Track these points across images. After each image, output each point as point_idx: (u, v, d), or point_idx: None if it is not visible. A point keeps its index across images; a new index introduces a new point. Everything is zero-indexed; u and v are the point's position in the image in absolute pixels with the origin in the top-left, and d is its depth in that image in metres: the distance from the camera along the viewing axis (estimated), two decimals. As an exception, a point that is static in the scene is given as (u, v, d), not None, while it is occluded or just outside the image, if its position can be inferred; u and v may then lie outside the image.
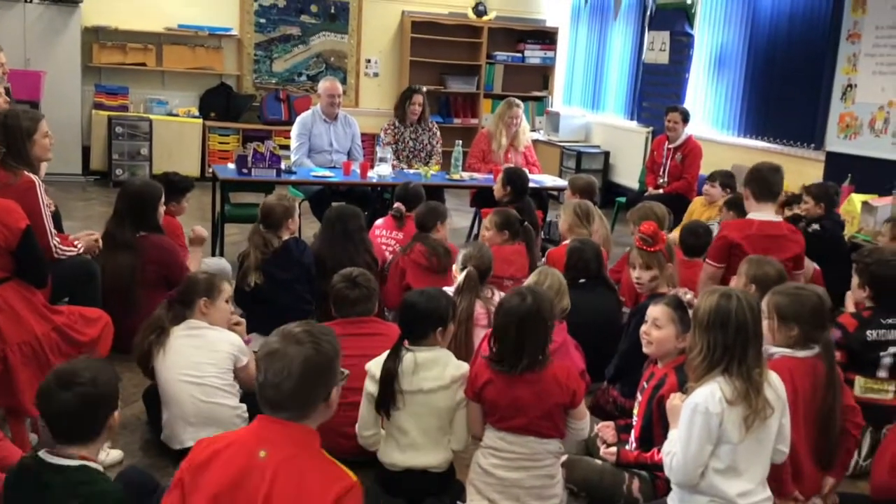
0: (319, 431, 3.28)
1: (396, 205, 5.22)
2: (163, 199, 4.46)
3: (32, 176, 3.53)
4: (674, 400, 2.72)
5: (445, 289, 3.64)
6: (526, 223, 4.74)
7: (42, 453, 2.19)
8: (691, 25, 8.51)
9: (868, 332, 3.60)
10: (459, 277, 3.91)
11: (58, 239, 3.55)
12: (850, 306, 4.00)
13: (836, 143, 6.78)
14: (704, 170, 7.10)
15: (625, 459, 3.02)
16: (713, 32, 8.34)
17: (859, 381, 3.58)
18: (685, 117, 7.21)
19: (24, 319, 3.02)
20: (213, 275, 3.59)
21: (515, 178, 5.67)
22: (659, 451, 2.81)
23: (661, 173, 7.28)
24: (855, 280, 3.80)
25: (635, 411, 3.11)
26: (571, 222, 4.88)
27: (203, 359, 3.28)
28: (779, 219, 4.66)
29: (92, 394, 2.16)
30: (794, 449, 2.78)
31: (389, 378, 2.96)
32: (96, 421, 2.20)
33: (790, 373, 2.84)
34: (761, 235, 4.39)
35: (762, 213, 4.49)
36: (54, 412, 2.17)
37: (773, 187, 4.54)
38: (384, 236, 5.09)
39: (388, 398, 2.97)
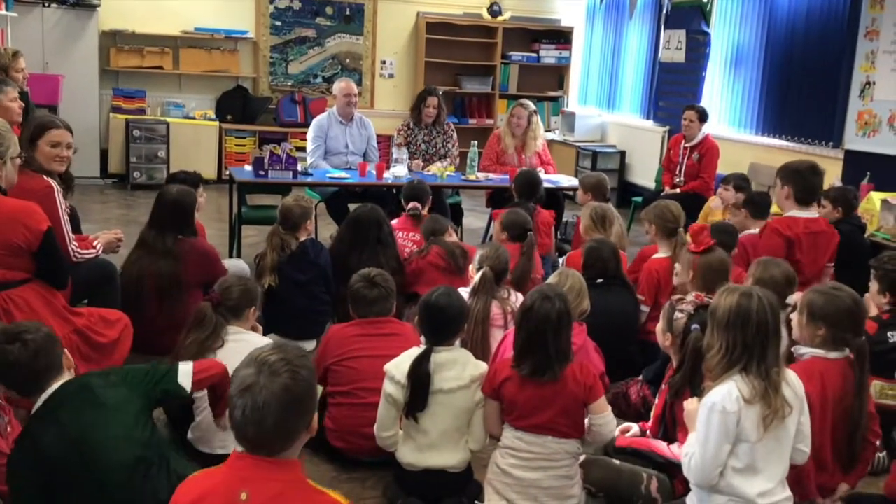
0: (337, 432, 3.32)
1: (412, 204, 5.22)
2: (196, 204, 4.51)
3: (50, 180, 3.55)
4: (690, 404, 2.71)
5: (461, 289, 3.64)
6: (530, 231, 4.68)
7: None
8: (708, 23, 8.47)
9: (889, 334, 3.58)
10: (475, 278, 3.91)
11: (76, 243, 3.58)
12: (871, 310, 3.97)
13: (854, 140, 6.73)
14: (721, 168, 7.06)
15: (628, 444, 3.02)
16: (730, 30, 8.29)
17: (875, 385, 3.55)
18: (702, 116, 7.18)
19: (44, 321, 3.03)
20: (255, 284, 3.61)
21: (520, 181, 5.69)
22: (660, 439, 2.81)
23: (677, 172, 7.25)
24: (874, 286, 3.77)
25: (652, 413, 3.11)
26: (587, 226, 4.88)
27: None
28: (815, 214, 4.69)
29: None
30: (820, 451, 2.76)
31: (421, 382, 2.95)
32: None
33: (821, 374, 2.82)
34: (809, 233, 4.49)
35: (805, 212, 4.57)
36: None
37: (816, 190, 4.64)
38: (401, 238, 5.10)
39: (418, 402, 2.96)
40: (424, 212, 5.25)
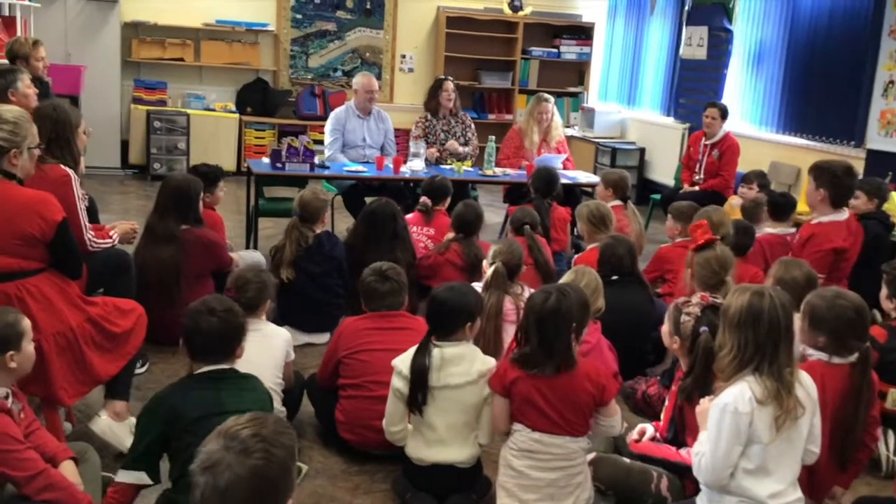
0: (348, 424, 3.33)
1: (423, 199, 5.24)
2: (202, 193, 4.52)
3: (67, 169, 3.57)
4: (703, 404, 2.68)
5: (474, 284, 3.64)
6: (527, 225, 4.69)
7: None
8: (730, 20, 8.40)
9: None
10: (488, 273, 3.90)
11: (92, 232, 3.60)
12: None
13: (877, 140, 6.65)
14: (742, 167, 7.00)
15: (641, 451, 3.00)
16: (752, 28, 8.22)
17: (892, 393, 3.51)
18: (723, 113, 7.12)
19: (59, 310, 3.06)
20: (270, 276, 3.66)
21: (537, 177, 5.68)
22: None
23: (697, 170, 7.19)
24: (884, 290, 3.71)
25: (662, 415, 3.08)
26: (588, 230, 4.86)
27: (263, 358, 3.21)
28: (847, 213, 4.64)
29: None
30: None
31: (420, 375, 2.96)
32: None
33: (822, 378, 2.78)
34: (852, 234, 4.49)
35: (840, 214, 4.53)
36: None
37: (851, 192, 4.63)
38: (416, 232, 5.10)
39: (418, 395, 2.96)
40: (442, 209, 5.24)
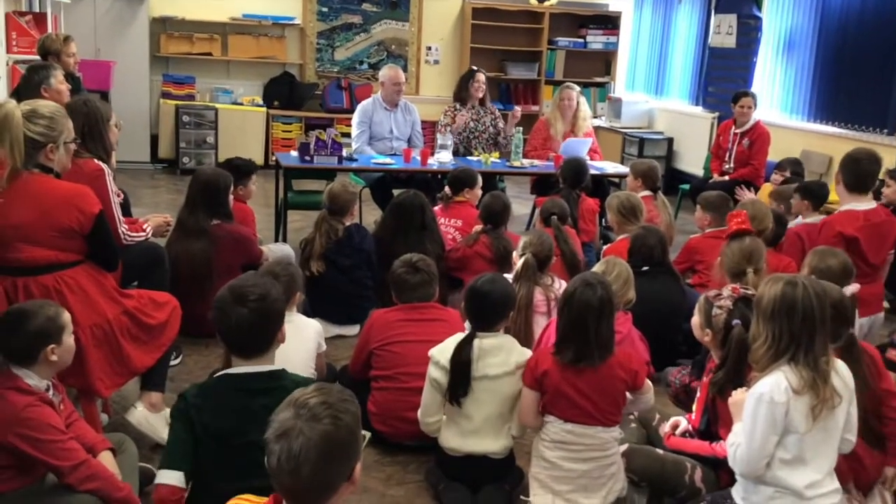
0: (380, 416, 3.34)
1: (446, 189, 5.26)
2: (232, 187, 4.55)
3: (101, 164, 3.61)
4: (737, 394, 2.67)
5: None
6: (554, 216, 4.68)
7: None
8: (759, 8, 8.31)
9: None
10: (518, 264, 3.90)
11: (126, 226, 3.64)
12: None
13: (910, 127, 6.57)
14: (772, 156, 6.93)
15: (675, 446, 2.98)
16: (781, 15, 8.12)
17: None
18: (756, 102, 7.06)
19: (95, 302, 3.10)
20: (298, 269, 3.69)
21: (566, 168, 5.67)
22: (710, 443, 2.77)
23: (727, 159, 7.13)
24: None
25: (694, 406, 3.06)
26: (618, 221, 4.84)
27: (294, 350, 3.17)
28: (873, 203, 4.51)
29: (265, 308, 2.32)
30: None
31: (462, 367, 2.96)
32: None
33: None
34: (870, 224, 4.32)
35: (861, 203, 4.37)
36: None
37: (867, 178, 4.41)
38: (444, 224, 5.10)
39: (459, 387, 2.97)
40: (468, 199, 5.22)
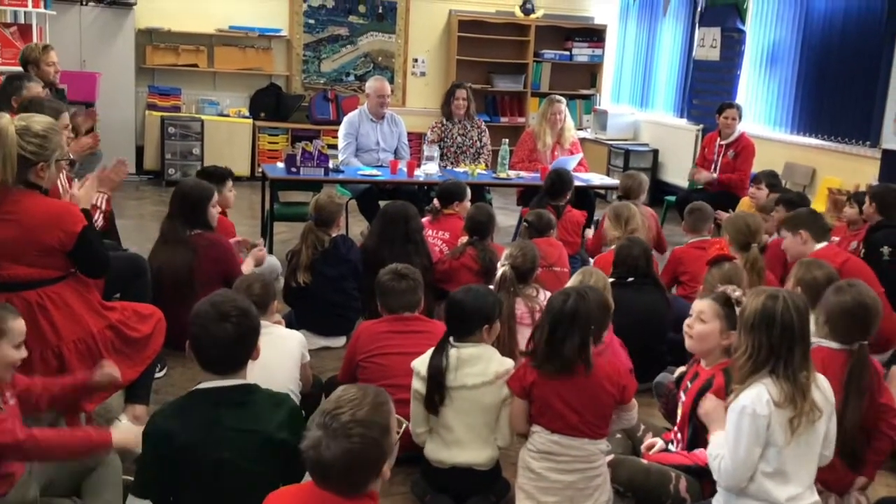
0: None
1: (434, 202, 5.28)
2: (214, 198, 4.53)
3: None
4: (707, 402, 2.69)
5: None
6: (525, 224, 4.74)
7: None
8: (743, 21, 8.38)
9: None
10: (497, 276, 3.91)
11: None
12: None
13: (892, 140, 6.61)
14: (756, 168, 6.97)
15: (663, 462, 3.00)
16: (766, 28, 8.20)
17: None
18: (740, 114, 7.11)
19: (80, 317, 3.08)
20: (271, 279, 3.68)
21: (550, 180, 5.72)
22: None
23: (712, 170, 7.17)
24: None
25: (679, 411, 3.08)
26: (612, 231, 4.89)
27: (277, 361, 3.17)
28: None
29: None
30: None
31: (436, 375, 2.97)
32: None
33: (822, 362, 2.80)
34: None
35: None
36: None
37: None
38: (431, 235, 5.11)
39: (435, 396, 2.98)
40: (456, 212, 5.23)
